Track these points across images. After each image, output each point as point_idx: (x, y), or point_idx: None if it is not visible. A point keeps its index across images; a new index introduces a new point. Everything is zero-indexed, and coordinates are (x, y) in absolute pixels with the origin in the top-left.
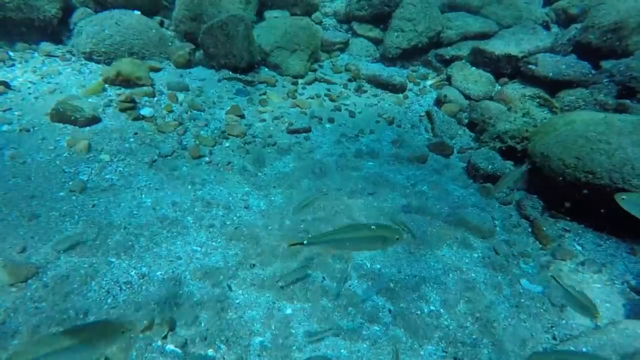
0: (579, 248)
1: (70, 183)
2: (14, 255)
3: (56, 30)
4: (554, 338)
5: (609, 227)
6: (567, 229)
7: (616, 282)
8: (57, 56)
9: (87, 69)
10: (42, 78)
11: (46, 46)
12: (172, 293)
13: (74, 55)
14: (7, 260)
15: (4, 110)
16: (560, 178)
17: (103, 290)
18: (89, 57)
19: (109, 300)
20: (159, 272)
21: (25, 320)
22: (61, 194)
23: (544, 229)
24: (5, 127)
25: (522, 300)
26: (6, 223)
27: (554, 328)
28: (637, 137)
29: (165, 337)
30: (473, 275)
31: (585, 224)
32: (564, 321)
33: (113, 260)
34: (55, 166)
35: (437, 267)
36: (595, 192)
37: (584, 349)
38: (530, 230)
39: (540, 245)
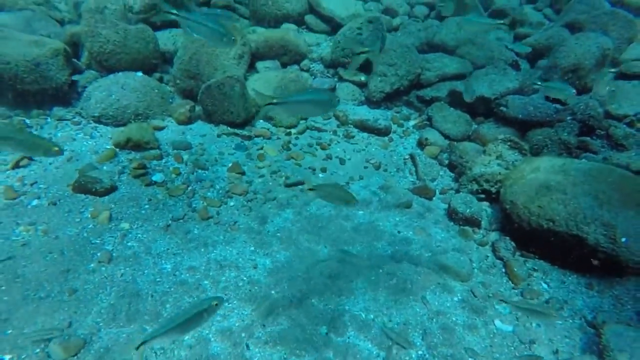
0: (545, 286)
1: (99, 254)
2: (64, 331)
3: (66, 94)
4: None
5: (570, 264)
6: (536, 268)
7: (575, 318)
8: (69, 120)
9: (97, 132)
10: None
11: (58, 111)
12: (200, 356)
13: (83, 118)
14: (60, 337)
15: (32, 184)
16: (527, 224)
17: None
18: (98, 120)
19: None
20: (186, 336)
21: None
22: (92, 265)
23: (515, 269)
24: (35, 202)
25: (496, 340)
26: (51, 299)
27: None
28: (587, 187)
29: None
30: (454, 318)
31: (552, 262)
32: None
33: (147, 327)
34: (83, 238)
35: (422, 314)
36: (557, 236)
37: None
38: (504, 270)
39: (513, 285)
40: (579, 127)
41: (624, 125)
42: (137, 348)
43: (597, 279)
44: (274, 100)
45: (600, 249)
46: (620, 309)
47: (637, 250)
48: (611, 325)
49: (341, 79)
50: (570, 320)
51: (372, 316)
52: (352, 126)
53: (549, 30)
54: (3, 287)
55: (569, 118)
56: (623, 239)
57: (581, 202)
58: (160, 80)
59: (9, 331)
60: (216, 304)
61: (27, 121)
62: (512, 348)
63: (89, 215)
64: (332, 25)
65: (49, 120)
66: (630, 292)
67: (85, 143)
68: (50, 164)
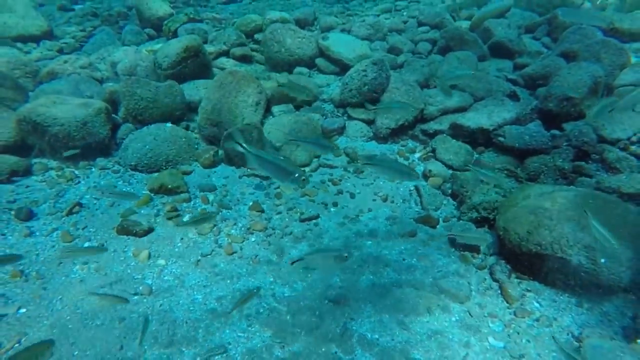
0: (537, 305)
1: (141, 288)
2: (116, 352)
3: (107, 146)
4: None
5: (561, 284)
6: (529, 289)
7: (563, 334)
8: (109, 169)
9: (134, 179)
10: (102, 193)
11: (101, 161)
12: None
13: (122, 166)
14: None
15: (83, 229)
16: (518, 248)
17: None
18: (135, 168)
19: None
20: (216, 357)
21: None
22: (135, 297)
23: (510, 290)
24: (87, 244)
25: (488, 355)
26: (105, 327)
27: None
28: (571, 213)
29: None
30: (450, 337)
31: (545, 282)
32: None
33: (184, 349)
34: (127, 274)
35: (422, 333)
36: (545, 259)
37: None
38: (499, 292)
39: (507, 305)
40: (574, 152)
41: (617, 149)
42: (292, 263)
43: (588, 297)
44: (368, 162)
45: (583, 269)
46: (607, 324)
47: (614, 269)
48: (591, 339)
49: (350, 118)
50: (558, 337)
51: (377, 336)
52: (360, 162)
53: (546, 60)
54: (68, 317)
55: (564, 144)
56: (602, 260)
57: (565, 227)
58: (187, 128)
59: (76, 352)
60: (346, 256)
61: (76, 172)
62: None
63: (131, 254)
64: (341, 67)
65: (93, 170)
66: (619, 309)
67: (125, 189)
68: (96, 209)
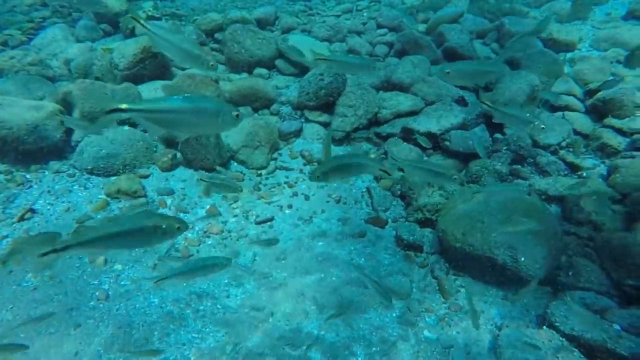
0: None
1: (97, 293)
2: (71, 358)
3: (61, 149)
4: None
5: (492, 280)
6: (463, 285)
7: (488, 325)
8: (64, 172)
9: (91, 183)
10: (57, 198)
11: (54, 164)
12: None
13: (77, 170)
14: None
15: None
16: (454, 248)
17: None
18: (91, 172)
19: None
20: (171, 358)
21: None
22: (92, 303)
23: (446, 287)
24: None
25: (422, 347)
26: (60, 334)
27: None
28: (500, 216)
29: None
30: (390, 331)
31: (478, 279)
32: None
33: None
34: (83, 281)
35: (364, 328)
36: (476, 258)
37: None
38: (437, 288)
39: (443, 300)
40: (512, 156)
41: (548, 154)
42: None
43: (513, 291)
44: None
45: (507, 267)
46: (526, 314)
47: (531, 266)
48: (509, 327)
49: (307, 120)
50: (484, 327)
51: (323, 332)
52: (317, 164)
53: None
54: (20, 327)
55: (504, 148)
56: (522, 258)
57: (493, 230)
58: (145, 130)
59: None
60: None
61: (27, 176)
62: (435, 353)
63: (87, 260)
64: (300, 69)
65: (46, 173)
66: (537, 299)
67: (80, 194)
68: (50, 215)
